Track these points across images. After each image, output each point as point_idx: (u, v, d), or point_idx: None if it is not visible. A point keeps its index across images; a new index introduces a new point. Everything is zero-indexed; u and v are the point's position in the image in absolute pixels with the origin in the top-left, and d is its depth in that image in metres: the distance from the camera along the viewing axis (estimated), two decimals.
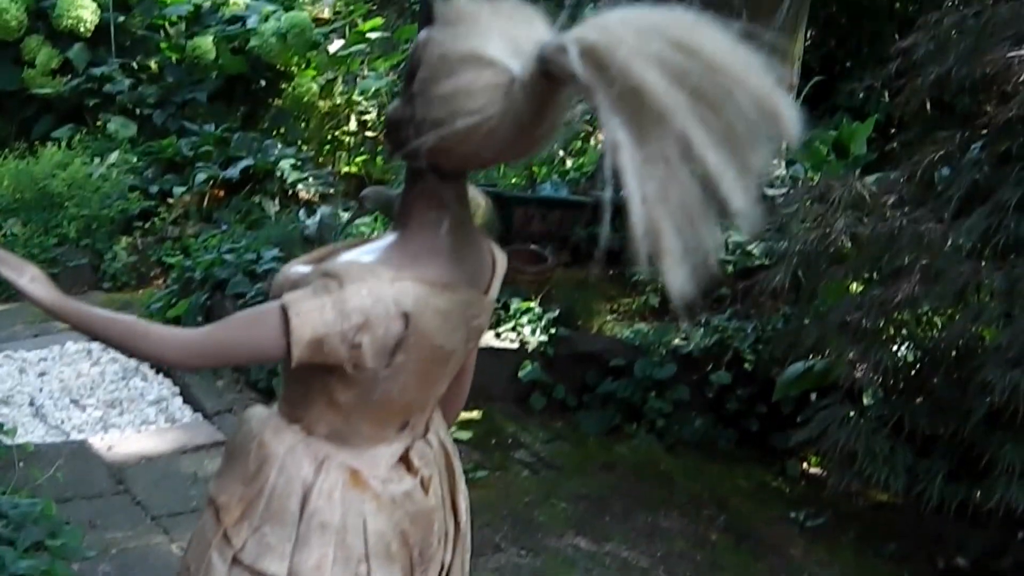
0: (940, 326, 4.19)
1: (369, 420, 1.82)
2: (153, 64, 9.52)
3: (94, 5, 9.03)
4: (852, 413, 4.06)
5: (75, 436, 4.95)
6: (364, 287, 1.65)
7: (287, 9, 9.45)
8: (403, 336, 1.69)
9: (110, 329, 1.73)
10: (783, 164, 6.30)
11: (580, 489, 4.56)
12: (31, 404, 5.33)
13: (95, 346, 5.95)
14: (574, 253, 6.08)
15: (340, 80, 9.53)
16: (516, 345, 5.24)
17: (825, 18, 10.14)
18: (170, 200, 7.77)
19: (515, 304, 5.35)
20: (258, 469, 1.82)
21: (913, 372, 4.20)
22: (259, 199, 7.71)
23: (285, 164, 7.88)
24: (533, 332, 5.23)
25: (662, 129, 1.28)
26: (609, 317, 5.58)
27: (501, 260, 1.93)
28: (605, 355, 5.22)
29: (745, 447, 5.04)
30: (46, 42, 9.03)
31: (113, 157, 8.07)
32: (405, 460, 1.88)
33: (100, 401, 5.40)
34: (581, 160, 7.61)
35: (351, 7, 10.16)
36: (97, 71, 8.90)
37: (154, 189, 7.86)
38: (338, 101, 9.50)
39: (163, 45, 9.51)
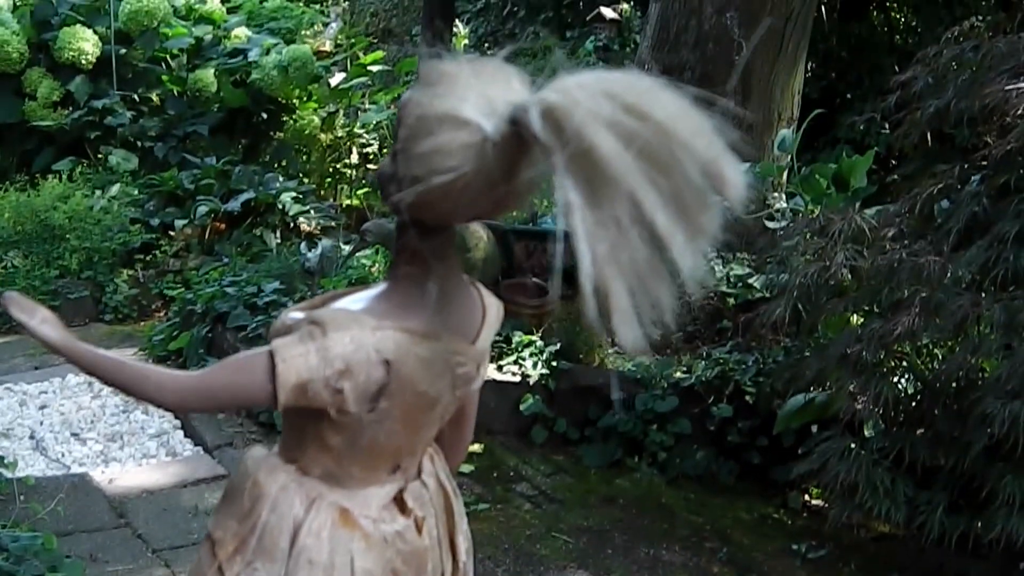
0: (940, 358, 4.19)
1: (360, 463, 1.86)
2: (154, 97, 9.58)
3: (95, 38, 9.09)
4: (853, 445, 4.06)
5: (76, 469, 4.94)
6: (347, 335, 1.70)
7: (288, 42, 9.54)
8: (385, 382, 1.73)
9: (117, 374, 1.79)
10: (783, 197, 6.32)
11: (582, 522, 4.55)
12: (32, 437, 5.32)
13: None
14: (575, 286, 6.07)
15: (341, 113, 9.58)
16: (518, 378, 5.24)
17: (825, 51, 10.22)
18: (171, 233, 7.80)
19: (517, 337, 5.36)
20: (252, 506, 1.87)
21: (913, 404, 4.21)
22: (260, 232, 7.74)
23: (286, 197, 7.92)
24: (534, 365, 5.23)
25: (613, 191, 1.31)
26: (610, 350, 5.58)
27: (494, 309, 1.96)
28: (606, 388, 5.21)
29: (746, 480, 5.03)
30: (47, 74, 9.08)
31: (114, 190, 8.11)
32: (399, 501, 1.92)
33: (101, 434, 5.39)
34: None
35: (352, 40, 10.23)
36: (98, 104, 8.94)
37: (155, 222, 7.90)
38: (339, 134, 9.55)
39: (164, 78, 9.56)
